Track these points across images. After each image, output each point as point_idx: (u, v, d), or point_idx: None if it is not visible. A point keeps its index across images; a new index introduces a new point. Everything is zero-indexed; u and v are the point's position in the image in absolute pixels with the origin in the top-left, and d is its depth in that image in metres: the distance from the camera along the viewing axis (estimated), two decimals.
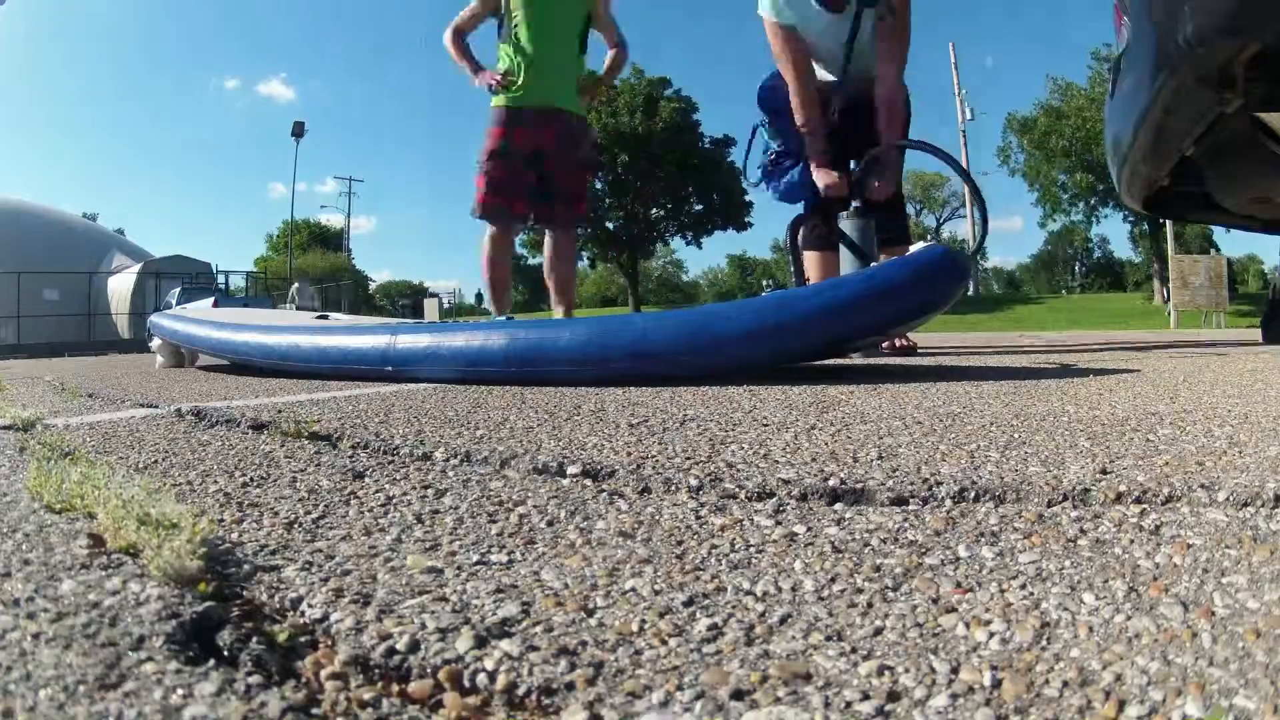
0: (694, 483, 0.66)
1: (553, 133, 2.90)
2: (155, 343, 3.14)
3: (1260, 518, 0.53)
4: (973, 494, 0.60)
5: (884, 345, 2.41)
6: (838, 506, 0.60)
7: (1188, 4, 1.50)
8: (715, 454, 0.78)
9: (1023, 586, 0.42)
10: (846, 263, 2.43)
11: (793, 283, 2.49)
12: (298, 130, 28.65)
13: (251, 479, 0.74)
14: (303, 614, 0.40)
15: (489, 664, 0.34)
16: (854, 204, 2.44)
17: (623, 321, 1.74)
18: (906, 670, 0.33)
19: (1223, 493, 0.57)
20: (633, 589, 0.43)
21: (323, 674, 0.34)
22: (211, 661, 0.34)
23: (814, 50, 2.45)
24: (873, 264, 2.39)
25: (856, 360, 2.05)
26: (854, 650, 0.36)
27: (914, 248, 1.67)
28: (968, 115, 26.10)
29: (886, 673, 0.33)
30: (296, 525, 0.57)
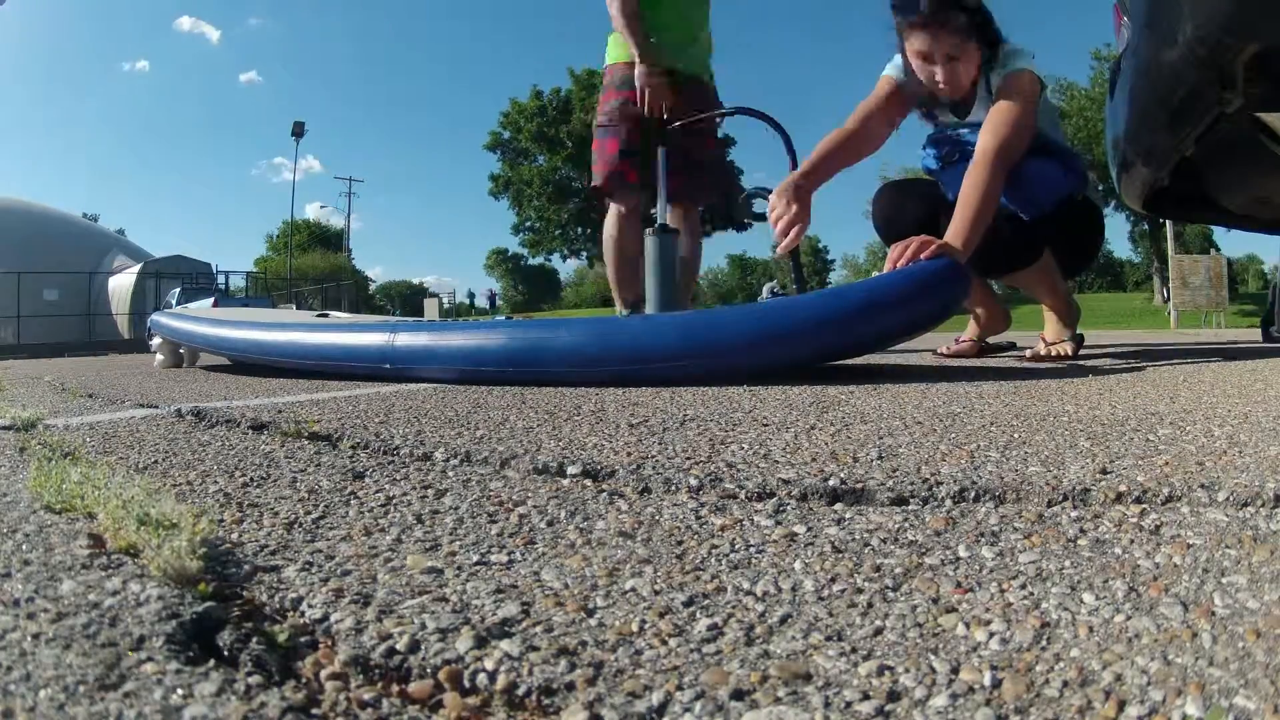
0: (694, 483, 0.66)
1: (682, 99, 2.64)
2: (155, 341, 3.14)
3: (1260, 518, 0.53)
4: (973, 494, 0.60)
5: (961, 345, 2.35)
6: (838, 506, 0.60)
7: (1187, 4, 1.50)
8: (715, 454, 0.78)
9: (1023, 586, 0.42)
10: (651, 280, 2.43)
11: (791, 285, 2.49)
12: (297, 130, 28.68)
13: (251, 479, 0.74)
14: (303, 614, 0.40)
15: (489, 664, 0.34)
16: (658, 222, 2.44)
17: (622, 323, 1.74)
18: (906, 670, 0.33)
19: (1223, 493, 0.57)
20: (633, 589, 0.43)
21: (323, 674, 0.34)
22: (211, 662, 0.34)
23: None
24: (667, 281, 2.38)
25: (856, 360, 2.04)
26: (854, 650, 0.36)
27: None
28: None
29: (886, 673, 0.33)
30: (296, 525, 0.57)
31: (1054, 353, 2.07)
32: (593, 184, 2.77)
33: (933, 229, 1.70)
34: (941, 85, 1.93)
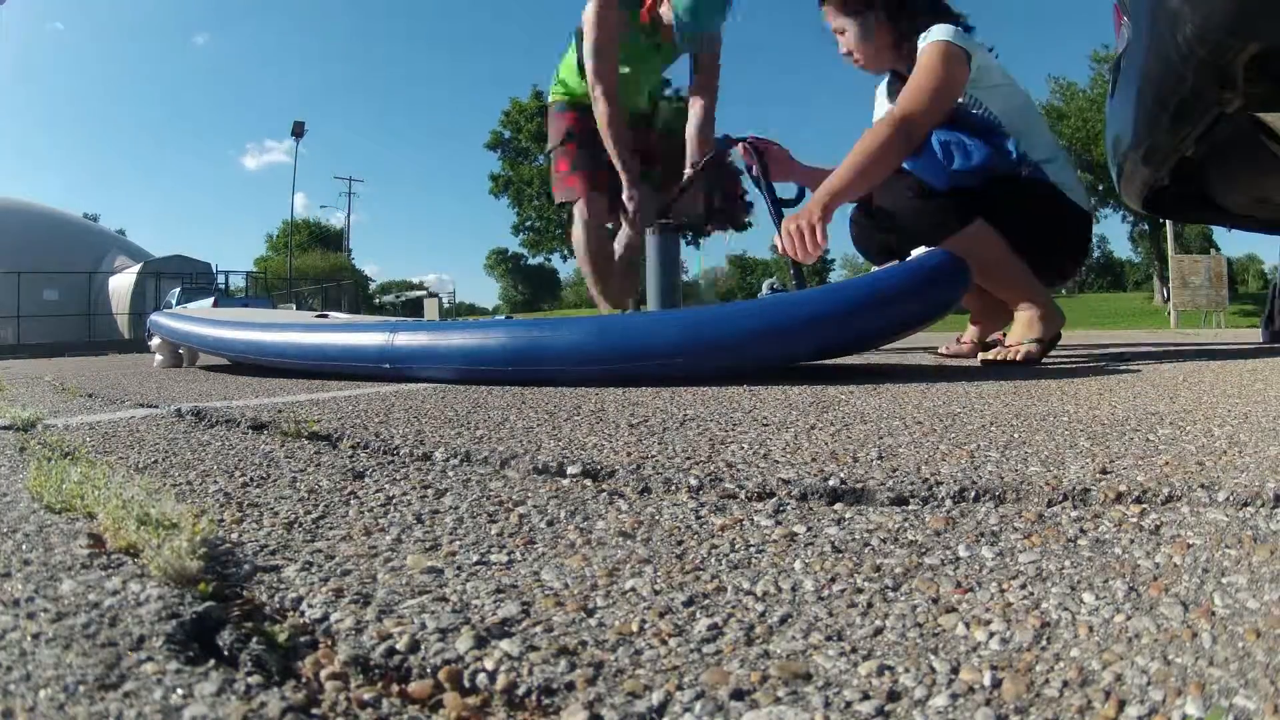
0: (694, 483, 0.66)
1: (650, 136, 2.74)
2: (155, 341, 3.14)
3: (1260, 518, 0.53)
4: (973, 494, 0.60)
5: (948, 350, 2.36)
6: (838, 506, 0.60)
7: (1188, 4, 1.50)
8: (715, 454, 0.78)
9: (1023, 586, 0.42)
10: (651, 280, 2.43)
11: (792, 284, 2.48)
12: (297, 130, 28.66)
13: (251, 479, 0.74)
14: (303, 614, 0.40)
15: (489, 664, 0.34)
16: (660, 220, 2.45)
17: (622, 321, 1.74)
18: (906, 670, 0.33)
19: (1223, 493, 0.57)
20: (633, 589, 0.43)
21: (323, 674, 0.34)
22: (211, 661, 0.34)
23: None
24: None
25: (856, 360, 2.04)
26: (854, 650, 0.36)
27: (916, 252, 1.67)
28: None
29: (886, 673, 0.33)
30: (296, 525, 0.57)
31: (1009, 356, 1.88)
32: (560, 200, 2.80)
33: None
34: (853, 59, 2.07)
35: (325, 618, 0.39)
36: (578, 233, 2.79)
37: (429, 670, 0.34)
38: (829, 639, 0.37)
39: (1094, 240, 2.27)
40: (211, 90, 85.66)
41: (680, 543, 0.52)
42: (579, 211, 2.74)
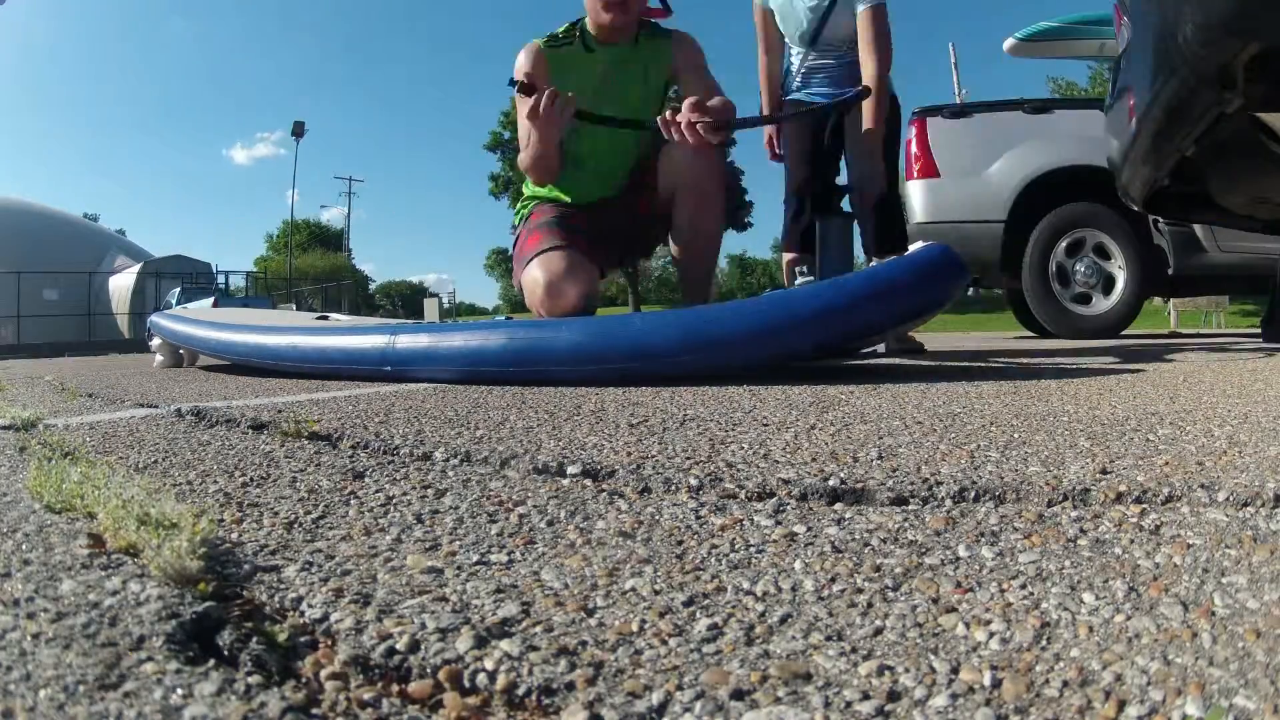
0: (694, 483, 0.66)
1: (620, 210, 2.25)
2: (155, 342, 3.14)
3: (1260, 518, 0.53)
4: (973, 494, 0.60)
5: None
6: (838, 506, 0.60)
7: (1188, 4, 1.50)
8: (715, 454, 0.78)
9: (1023, 586, 0.42)
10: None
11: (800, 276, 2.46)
12: (298, 130, 28.66)
13: (251, 479, 0.74)
14: (303, 614, 0.40)
15: (489, 664, 0.34)
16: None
17: (622, 321, 1.74)
18: (906, 670, 0.33)
19: (1223, 493, 0.57)
20: (633, 589, 0.43)
21: (323, 674, 0.34)
22: (211, 661, 0.34)
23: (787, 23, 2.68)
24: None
25: (856, 360, 2.04)
26: (854, 650, 0.36)
27: (913, 247, 1.67)
28: None
29: (886, 673, 0.33)
30: (296, 525, 0.57)
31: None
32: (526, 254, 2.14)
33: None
34: None
35: (325, 618, 0.39)
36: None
37: (429, 670, 0.34)
38: (829, 639, 0.37)
39: None
40: (194, 80, 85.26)
41: (680, 543, 0.52)
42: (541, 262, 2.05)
